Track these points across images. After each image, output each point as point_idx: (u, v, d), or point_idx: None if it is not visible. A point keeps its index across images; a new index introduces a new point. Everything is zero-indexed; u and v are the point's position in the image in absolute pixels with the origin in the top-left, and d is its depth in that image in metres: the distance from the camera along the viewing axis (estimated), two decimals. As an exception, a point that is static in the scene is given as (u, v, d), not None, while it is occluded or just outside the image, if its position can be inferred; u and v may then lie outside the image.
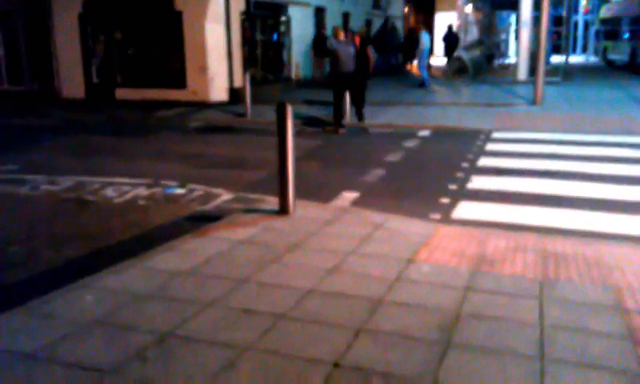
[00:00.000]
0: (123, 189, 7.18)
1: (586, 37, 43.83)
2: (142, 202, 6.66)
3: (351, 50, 11.61)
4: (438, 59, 25.27)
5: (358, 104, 12.18)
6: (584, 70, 25.51)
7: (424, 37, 18.62)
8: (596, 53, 35.83)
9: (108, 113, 14.62)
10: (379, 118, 12.97)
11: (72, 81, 17.42)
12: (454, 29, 23.59)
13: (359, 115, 12.21)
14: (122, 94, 16.80)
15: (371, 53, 12.84)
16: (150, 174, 7.92)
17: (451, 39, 22.94)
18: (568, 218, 5.95)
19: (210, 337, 3.37)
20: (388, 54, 22.14)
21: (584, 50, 42.94)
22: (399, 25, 31.07)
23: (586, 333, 3.41)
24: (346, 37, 12.92)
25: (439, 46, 25.81)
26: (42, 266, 4.84)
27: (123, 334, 3.41)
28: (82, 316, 3.64)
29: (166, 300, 3.88)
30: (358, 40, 12.47)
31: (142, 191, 7.08)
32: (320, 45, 14.22)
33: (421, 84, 18.51)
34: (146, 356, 3.17)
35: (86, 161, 9.10)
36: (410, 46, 19.27)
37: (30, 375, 3.03)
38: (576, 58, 35.45)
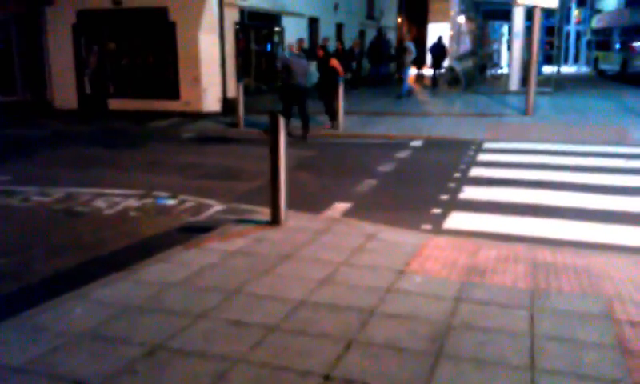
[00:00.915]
0: (114, 200, 7.16)
1: (577, 47, 44.12)
2: (133, 213, 6.64)
3: (304, 63, 11.94)
4: (426, 70, 25.40)
5: (304, 117, 11.93)
6: (576, 80, 25.66)
7: (410, 47, 18.65)
8: (588, 63, 36.08)
9: (100, 123, 14.60)
10: (371, 128, 13.01)
11: (65, 91, 17.39)
12: (444, 40, 23.62)
13: (305, 129, 11.92)
14: (114, 104, 16.80)
15: (337, 63, 12.94)
16: (141, 185, 7.90)
17: (437, 50, 23.02)
18: (559, 228, 5.98)
19: (201, 349, 3.36)
20: (381, 65, 22.20)
21: (576, 60, 43.23)
22: (392, 36, 31.20)
23: (577, 343, 3.42)
24: (324, 48, 14.17)
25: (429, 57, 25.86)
26: (33, 277, 4.81)
27: (114, 347, 3.40)
28: (73, 328, 3.63)
29: (157, 312, 3.87)
30: (321, 52, 13.09)
31: (133, 202, 7.07)
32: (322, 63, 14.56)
33: (398, 95, 18.37)
34: (137, 369, 3.16)
35: (78, 172, 9.08)
36: (400, 57, 19.26)
37: (18, 389, 3.02)
38: (568, 69, 35.67)
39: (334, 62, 12.87)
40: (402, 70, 19.14)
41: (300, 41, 16.25)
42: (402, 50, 19.14)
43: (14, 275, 4.88)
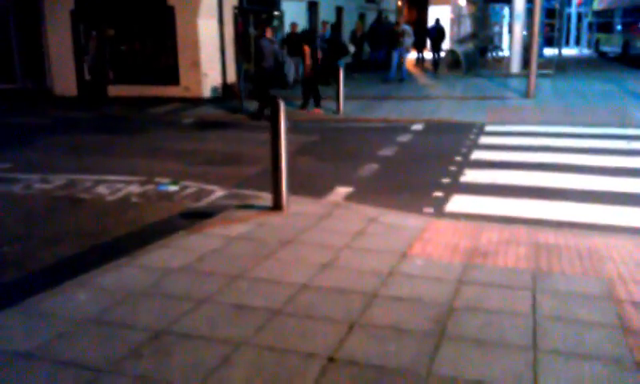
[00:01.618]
0: (116, 186, 7.17)
1: (578, 29, 43.90)
2: (135, 200, 6.65)
3: (275, 47, 12.73)
4: (426, 53, 25.20)
5: (265, 98, 12.24)
6: (577, 63, 25.56)
7: (408, 29, 18.41)
8: (589, 45, 35.90)
9: (100, 110, 14.56)
10: (372, 112, 12.99)
11: (64, 78, 17.33)
12: (442, 22, 23.42)
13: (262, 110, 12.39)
14: (114, 91, 16.72)
15: (309, 50, 13.06)
16: (143, 171, 7.90)
17: (436, 32, 22.87)
18: (561, 210, 5.98)
19: (205, 333, 3.38)
20: (381, 49, 22.07)
21: (577, 42, 43.02)
22: (393, 19, 31.03)
23: (579, 323, 3.44)
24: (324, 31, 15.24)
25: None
26: (36, 264, 4.83)
27: (118, 332, 3.42)
28: (77, 314, 3.65)
29: (160, 297, 3.89)
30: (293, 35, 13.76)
31: (135, 188, 7.07)
32: (291, 44, 14.54)
33: (401, 78, 18.18)
34: (142, 353, 3.18)
35: (79, 158, 9.08)
36: (395, 40, 18.90)
37: (25, 374, 3.04)
38: (569, 51, 35.51)
39: (305, 49, 13.08)
40: (392, 52, 18.45)
41: (293, 25, 16.35)
42: (395, 33, 18.61)
43: (17, 263, 4.90)
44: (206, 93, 16.04)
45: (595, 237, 4.96)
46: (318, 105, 13.14)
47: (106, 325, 3.52)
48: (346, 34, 23.25)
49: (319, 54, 13.31)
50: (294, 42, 13.69)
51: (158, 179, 7.44)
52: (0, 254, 5.12)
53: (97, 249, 5.14)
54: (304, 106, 13.25)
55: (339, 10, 24.97)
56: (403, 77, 18.27)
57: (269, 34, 12.78)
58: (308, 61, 13.03)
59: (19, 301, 3.83)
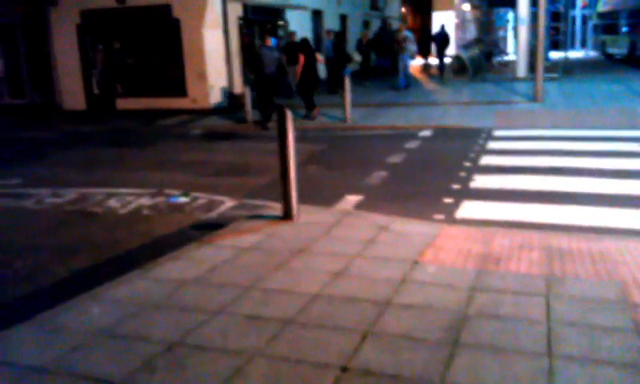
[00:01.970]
0: (127, 199, 7.21)
1: (584, 31, 43.79)
2: (146, 212, 6.67)
3: (274, 54, 13.02)
4: (431, 59, 25.22)
5: (269, 106, 12.58)
6: (583, 65, 25.48)
7: (409, 36, 18.32)
8: (595, 47, 35.79)
9: (109, 123, 14.66)
10: (379, 119, 13.00)
11: (73, 92, 17.46)
12: (447, 28, 23.40)
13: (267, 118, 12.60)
14: (122, 104, 16.85)
15: (301, 61, 13.35)
16: (153, 183, 7.94)
17: (441, 38, 22.87)
18: (572, 214, 5.95)
19: (218, 344, 3.38)
20: (386, 56, 22.09)
21: (583, 44, 42.90)
22: (396, 26, 31.09)
23: (594, 328, 3.41)
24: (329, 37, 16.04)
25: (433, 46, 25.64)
26: (49, 278, 4.86)
27: (132, 344, 3.43)
28: (91, 327, 3.66)
29: (173, 309, 3.90)
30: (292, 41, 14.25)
31: (146, 201, 7.10)
32: (290, 52, 14.75)
33: (406, 85, 18.03)
34: (155, 365, 3.18)
35: (89, 172, 9.13)
36: (399, 47, 18.83)
37: (40, 388, 3.05)
38: (575, 53, 35.42)
39: (300, 57, 13.38)
40: (400, 60, 18.29)
41: (291, 34, 16.52)
42: (396, 39, 18.47)
43: (31, 277, 4.92)
44: (213, 104, 16.11)
45: (608, 240, 4.92)
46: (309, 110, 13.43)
47: (120, 337, 3.53)
48: (351, 42, 23.32)
49: (322, 61, 13.54)
50: (292, 51, 13.87)
51: (168, 191, 7.48)
52: (13, 268, 5.15)
53: (109, 262, 5.16)
54: (307, 116, 13.38)
55: (343, 18, 25.07)
56: (409, 83, 18.21)
57: (268, 42, 13.22)
58: (299, 68, 13.31)
59: (33, 315, 3.85)
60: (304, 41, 14.14)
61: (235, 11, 16.73)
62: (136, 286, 4.30)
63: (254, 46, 18.11)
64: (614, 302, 3.76)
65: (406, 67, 18.20)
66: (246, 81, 13.77)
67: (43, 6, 17.10)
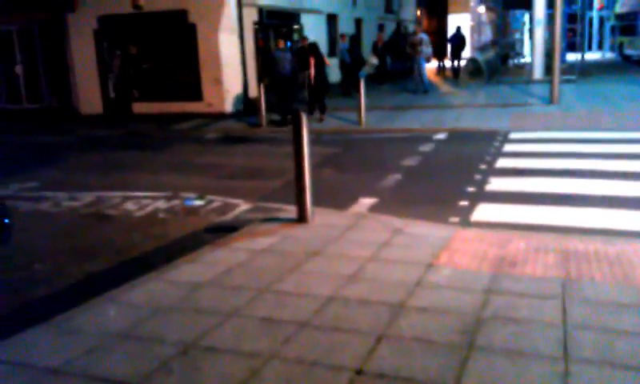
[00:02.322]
0: (143, 202, 7.26)
1: (601, 33, 43.42)
2: (161, 215, 6.72)
3: (287, 55, 13.65)
4: (447, 62, 25.12)
5: (287, 104, 13.25)
6: (600, 67, 25.25)
7: (425, 38, 18.16)
8: (612, 49, 35.47)
9: (126, 127, 14.77)
10: (394, 122, 12.98)
11: (90, 97, 17.63)
12: (462, 30, 23.29)
13: (285, 117, 13.06)
14: (139, 108, 16.95)
15: (315, 59, 13.86)
16: (169, 186, 7.99)
17: (456, 40, 22.77)
18: (589, 216, 5.90)
19: (233, 347, 3.39)
20: (401, 59, 22.05)
21: (600, 46, 42.53)
22: (412, 29, 31.03)
23: (610, 332, 3.38)
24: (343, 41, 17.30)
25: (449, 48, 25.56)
26: (66, 281, 4.91)
27: (148, 347, 3.45)
28: (107, 330, 3.69)
29: (188, 311, 3.92)
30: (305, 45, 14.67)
31: (162, 204, 7.15)
32: (301, 57, 14.87)
33: (424, 90, 17.89)
34: (171, 368, 3.20)
35: (106, 176, 9.21)
36: (414, 50, 18.65)
37: (57, 389, 3.08)
38: (592, 55, 35.12)
39: (310, 59, 13.80)
40: (415, 63, 18.13)
41: (303, 39, 16.70)
42: (411, 42, 18.37)
43: (48, 279, 4.98)
44: (229, 108, 16.19)
45: (625, 243, 4.87)
46: (311, 113, 13.61)
47: (136, 340, 3.55)
48: (366, 46, 23.31)
49: (330, 64, 14.34)
50: (303, 55, 14.05)
51: (183, 194, 7.52)
52: (31, 271, 5.21)
53: (125, 264, 5.20)
54: (321, 119, 13.61)
55: (358, 22, 25.07)
56: (426, 87, 17.99)
57: (281, 45, 14.03)
58: (312, 71, 13.67)
59: (50, 317, 3.89)
60: (313, 45, 14.31)
61: (251, 16, 16.81)
62: (151, 289, 4.33)
63: (269, 50, 18.20)
64: (630, 305, 3.71)
65: (422, 70, 18.08)
66: (260, 84, 13.84)
67: (61, 12, 17.31)
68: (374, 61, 21.36)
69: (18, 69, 18.80)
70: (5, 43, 18.63)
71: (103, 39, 17.37)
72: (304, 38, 17.12)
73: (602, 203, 6.26)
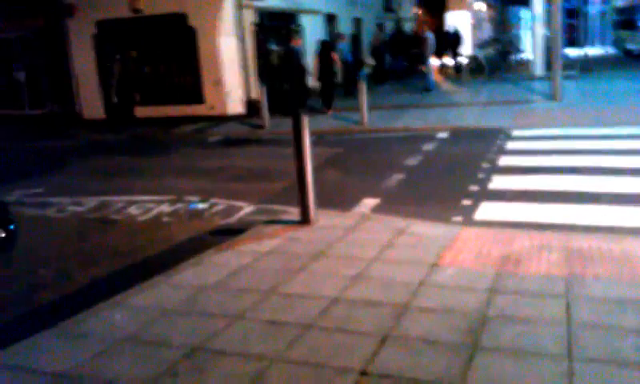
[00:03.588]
0: (147, 206, 7.28)
1: (602, 28, 43.32)
2: (166, 219, 6.75)
3: (301, 50, 15.15)
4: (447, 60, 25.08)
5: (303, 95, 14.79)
6: (602, 62, 25.18)
7: (429, 37, 18.21)
8: (613, 43, 35.39)
9: (128, 132, 14.81)
10: (396, 121, 12.97)
11: (92, 102, 17.66)
12: (458, 28, 23.30)
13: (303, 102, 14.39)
14: (141, 112, 16.98)
15: (338, 57, 15.39)
16: (172, 190, 8.02)
17: (452, 37, 22.77)
18: (592, 214, 5.90)
19: (239, 349, 3.41)
20: (402, 58, 22.03)
21: (601, 41, 42.44)
22: (409, 27, 31.02)
23: (614, 330, 3.38)
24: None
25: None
26: (72, 286, 4.94)
27: (154, 350, 3.47)
28: (113, 334, 3.71)
29: (194, 314, 3.94)
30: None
31: (166, 208, 7.18)
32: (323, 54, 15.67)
33: (426, 88, 17.91)
34: (177, 370, 3.22)
35: (110, 180, 9.24)
36: (421, 48, 18.71)
37: (65, 395, 3.10)
38: (593, 50, 35.04)
39: (333, 55, 15.12)
40: (425, 61, 18.35)
41: (296, 40, 16.91)
42: (420, 40, 18.57)
43: (53, 285, 5.01)
44: (230, 110, 16.19)
45: (629, 240, 4.87)
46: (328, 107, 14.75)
47: (142, 343, 3.57)
48: (365, 46, 23.29)
49: (338, 64, 15.42)
50: (325, 52, 15.18)
51: (187, 198, 7.55)
52: (36, 276, 5.24)
53: (130, 268, 5.23)
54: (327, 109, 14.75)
55: (357, 22, 25.03)
56: (429, 87, 18.01)
57: (295, 42, 15.49)
58: (339, 63, 15.01)
59: (57, 322, 3.91)
60: (330, 43, 15.76)
61: (250, 17, 16.82)
62: (157, 292, 4.36)
63: (269, 51, 18.21)
64: (635, 302, 3.72)
65: (430, 69, 18.18)
66: (262, 86, 13.92)
67: (60, 17, 17.36)
68: (371, 61, 21.37)
69: (20, 75, 18.86)
70: (5, 50, 18.71)
71: (103, 44, 17.38)
72: (297, 39, 17.15)
73: (606, 200, 6.26)
